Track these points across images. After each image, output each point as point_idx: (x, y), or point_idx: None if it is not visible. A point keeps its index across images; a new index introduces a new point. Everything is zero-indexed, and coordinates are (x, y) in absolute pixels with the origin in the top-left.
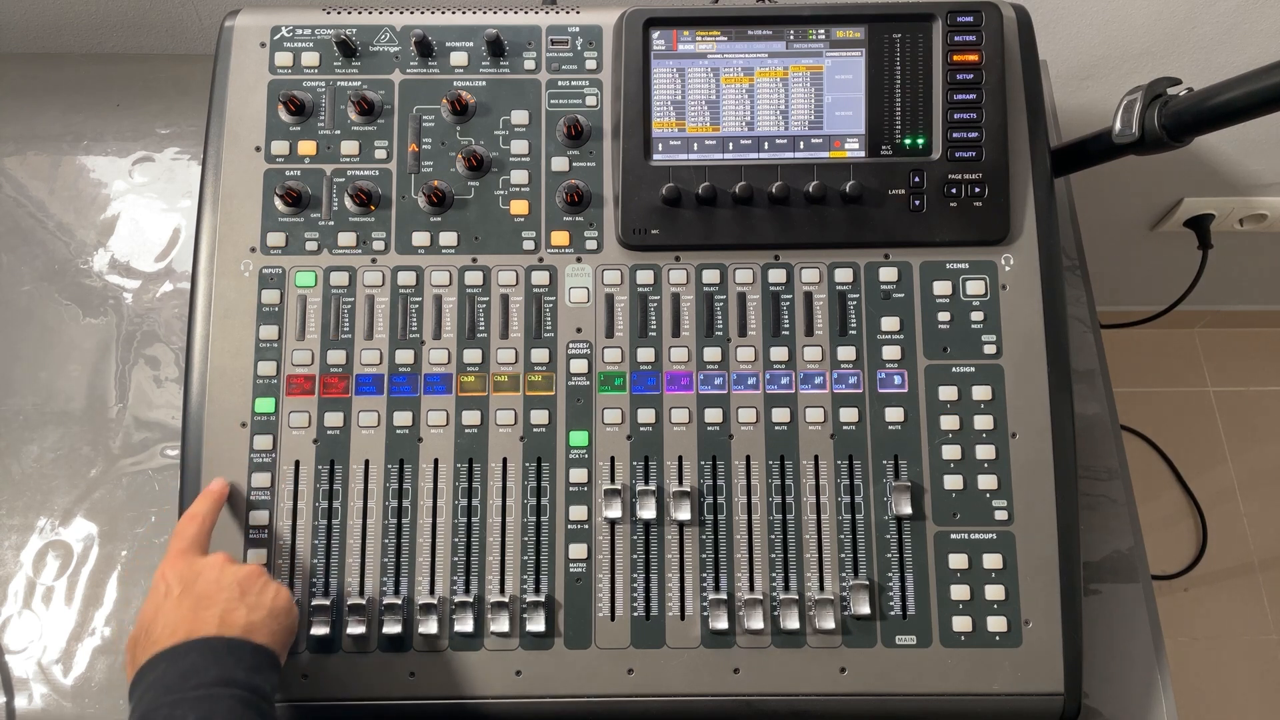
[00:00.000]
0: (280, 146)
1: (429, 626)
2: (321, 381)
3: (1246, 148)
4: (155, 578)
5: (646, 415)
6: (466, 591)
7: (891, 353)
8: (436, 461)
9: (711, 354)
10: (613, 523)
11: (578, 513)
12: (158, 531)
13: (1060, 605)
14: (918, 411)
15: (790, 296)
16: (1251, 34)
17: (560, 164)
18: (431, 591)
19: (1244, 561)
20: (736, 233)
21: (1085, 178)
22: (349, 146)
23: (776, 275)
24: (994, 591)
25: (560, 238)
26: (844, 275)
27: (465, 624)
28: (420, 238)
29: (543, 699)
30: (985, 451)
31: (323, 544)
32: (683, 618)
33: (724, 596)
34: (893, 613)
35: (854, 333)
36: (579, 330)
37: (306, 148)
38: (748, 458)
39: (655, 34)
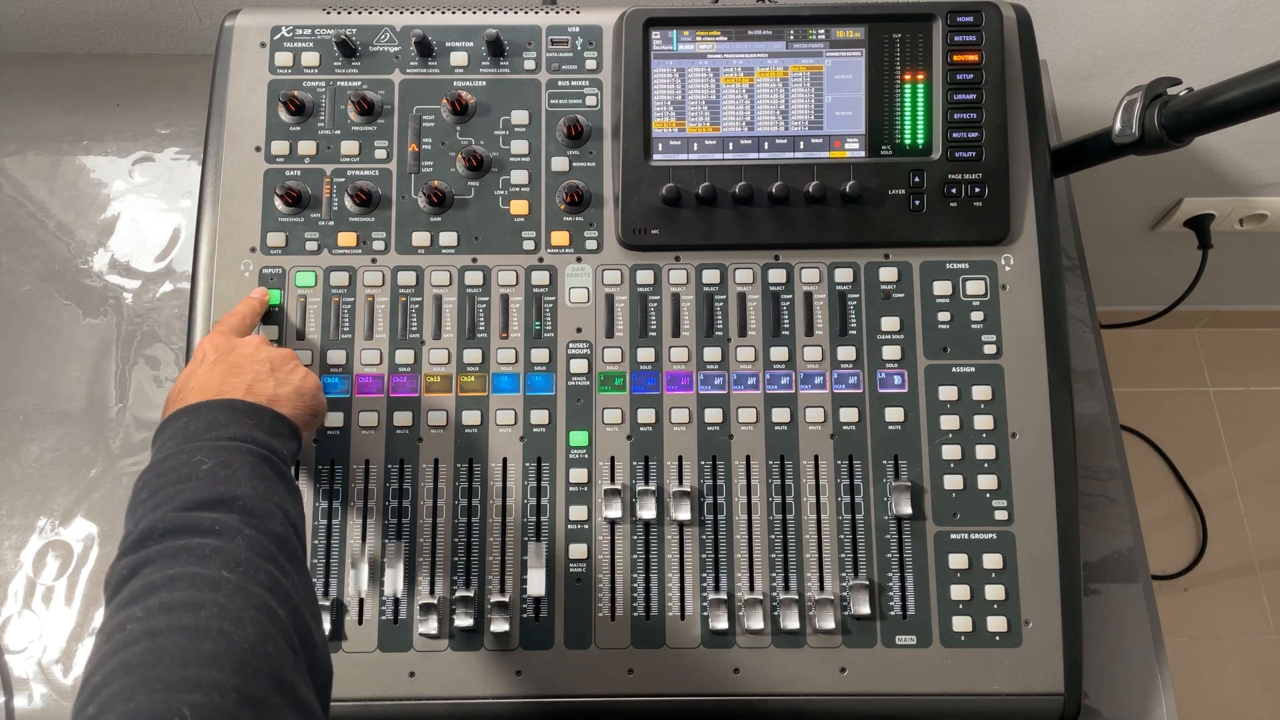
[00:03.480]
0: (280, 146)
1: (429, 626)
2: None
3: (1246, 148)
4: (195, 348)
5: (646, 415)
6: (466, 591)
7: (891, 353)
8: (436, 461)
9: (711, 354)
10: (613, 523)
11: (578, 513)
12: None
13: (1060, 605)
14: (918, 411)
15: (790, 296)
16: (1251, 34)
17: (560, 164)
18: (431, 591)
19: (1244, 561)
20: (736, 233)
21: (1085, 178)
22: (349, 146)
23: (776, 275)
24: (994, 591)
25: (560, 238)
26: (844, 275)
27: (465, 624)
28: (420, 238)
29: (543, 699)
30: (985, 451)
31: (323, 544)
32: (683, 618)
33: (724, 596)
34: (893, 613)
35: (854, 333)
36: (579, 330)
37: (306, 148)
38: (748, 458)
39: (655, 34)
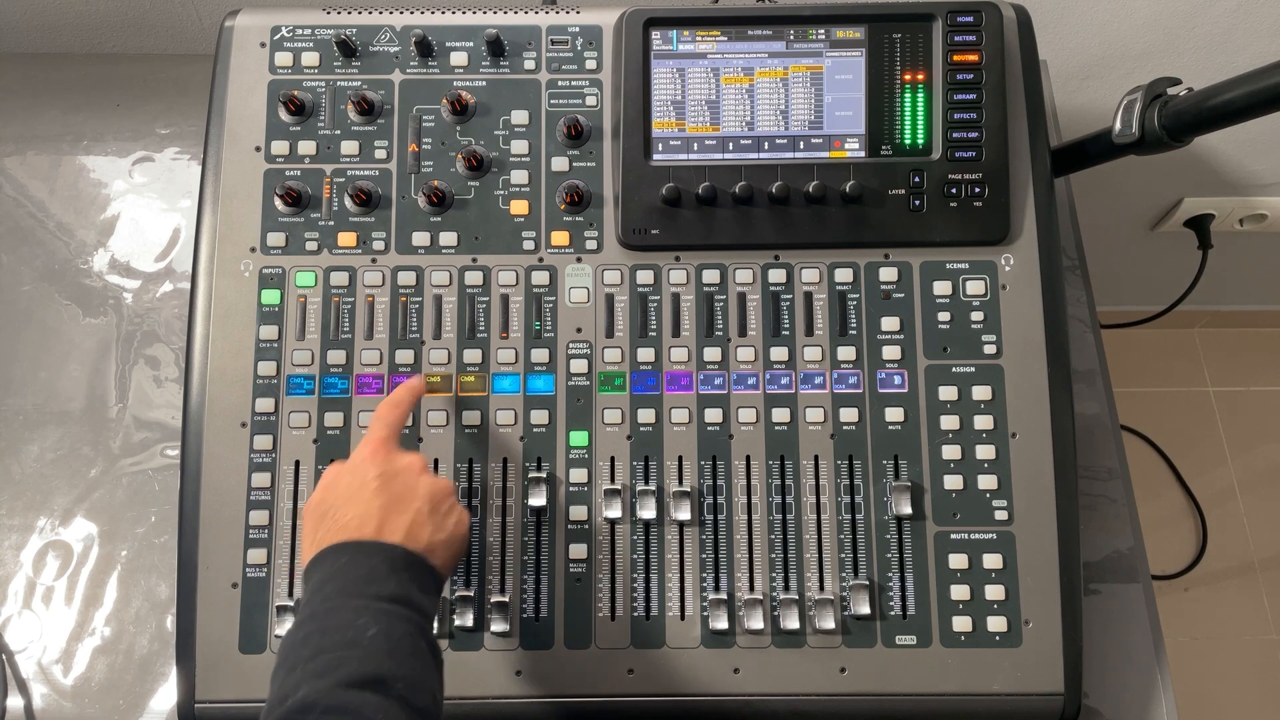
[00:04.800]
0: (280, 146)
1: None
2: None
3: (1246, 148)
4: (355, 459)
5: (646, 415)
6: (466, 591)
7: (891, 353)
8: (437, 461)
9: (711, 354)
10: (613, 523)
11: (578, 513)
12: (158, 531)
13: (1060, 605)
14: (918, 411)
15: (790, 296)
16: (1251, 34)
17: (560, 164)
18: None
19: (1244, 561)
20: (736, 233)
21: (1085, 178)
22: (349, 146)
23: (776, 275)
24: (994, 591)
25: (560, 238)
26: (844, 275)
27: (465, 623)
28: (420, 238)
29: (543, 699)
30: (985, 451)
31: None
32: (683, 618)
33: (724, 596)
34: (893, 613)
35: (854, 333)
36: (579, 330)
37: (306, 148)
38: (748, 458)
39: (655, 34)
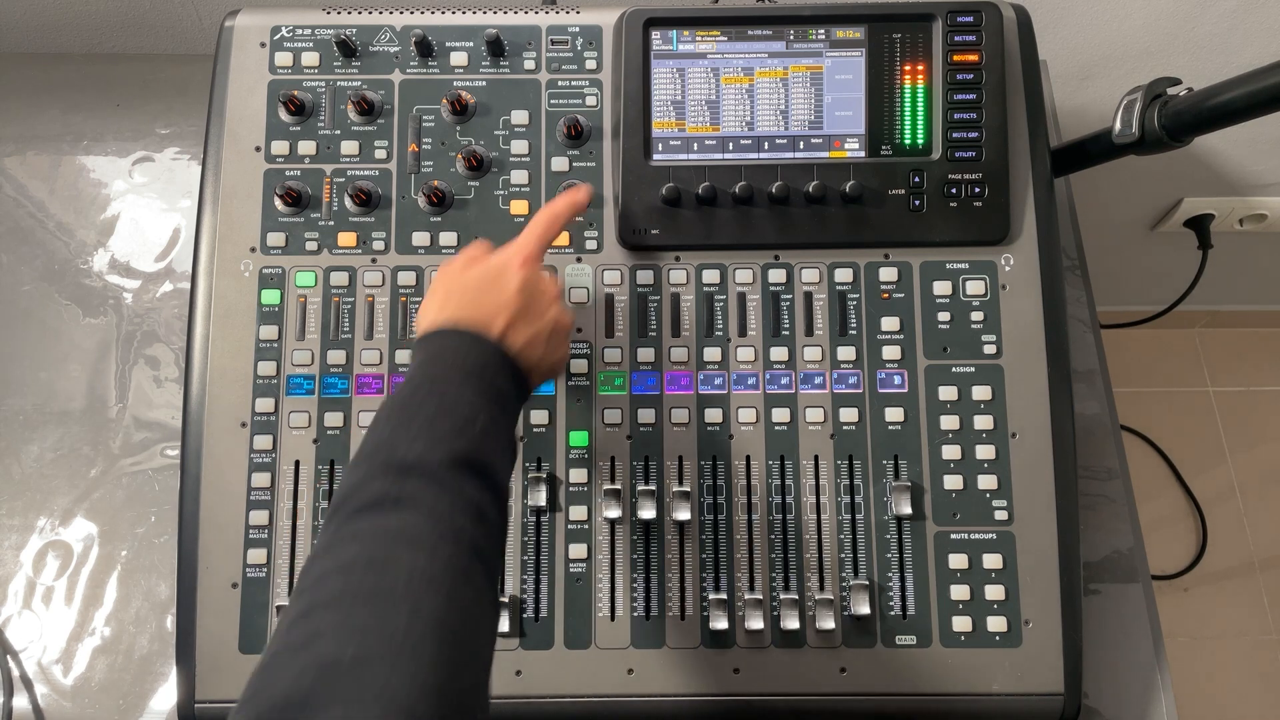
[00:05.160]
0: (280, 146)
1: None
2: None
3: (1246, 148)
4: (505, 258)
5: (646, 415)
6: None
7: (891, 353)
8: None
9: (711, 354)
10: (613, 523)
11: (578, 513)
12: (158, 531)
13: (1060, 605)
14: (918, 411)
15: (790, 296)
16: (1251, 34)
17: (560, 164)
18: None
19: (1244, 561)
20: (736, 233)
21: (1085, 178)
22: (349, 146)
23: (776, 275)
24: (994, 591)
25: (560, 238)
26: (844, 275)
27: None
28: (420, 238)
29: (543, 699)
30: (985, 451)
31: None
32: (683, 618)
33: (724, 597)
34: (893, 613)
35: (854, 333)
36: (579, 330)
37: (306, 148)
38: (748, 458)
39: (655, 34)
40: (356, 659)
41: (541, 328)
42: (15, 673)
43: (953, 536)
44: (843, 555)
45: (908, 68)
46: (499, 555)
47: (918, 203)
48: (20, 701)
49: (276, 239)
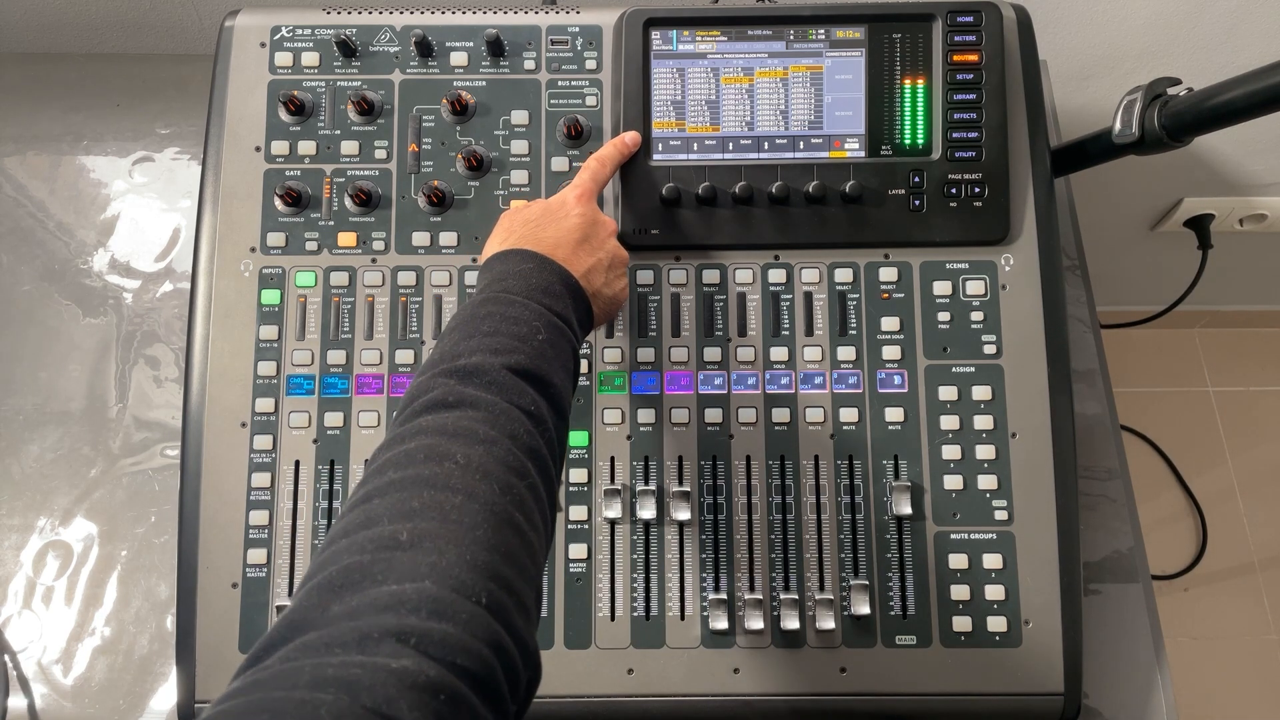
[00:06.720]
0: (280, 146)
1: None
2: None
3: (1246, 148)
4: (562, 197)
5: (646, 415)
6: None
7: (891, 353)
8: None
9: (711, 354)
10: (613, 523)
11: (578, 513)
12: (158, 531)
13: (1060, 605)
14: (918, 411)
15: (790, 296)
16: (1251, 34)
17: (560, 164)
18: None
19: (1244, 561)
20: (736, 233)
21: (1085, 178)
22: (349, 146)
23: (776, 275)
24: (994, 591)
25: None
26: (844, 275)
27: None
28: (420, 238)
29: (543, 699)
30: (985, 451)
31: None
32: (683, 618)
33: (724, 596)
34: (893, 613)
35: (854, 333)
36: None
37: (306, 148)
38: (748, 458)
39: (655, 34)
40: (412, 537)
41: (602, 257)
42: (15, 673)
43: (953, 536)
44: (843, 555)
45: (908, 68)
46: (555, 463)
47: (918, 203)
48: (20, 701)
49: (276, 239)
